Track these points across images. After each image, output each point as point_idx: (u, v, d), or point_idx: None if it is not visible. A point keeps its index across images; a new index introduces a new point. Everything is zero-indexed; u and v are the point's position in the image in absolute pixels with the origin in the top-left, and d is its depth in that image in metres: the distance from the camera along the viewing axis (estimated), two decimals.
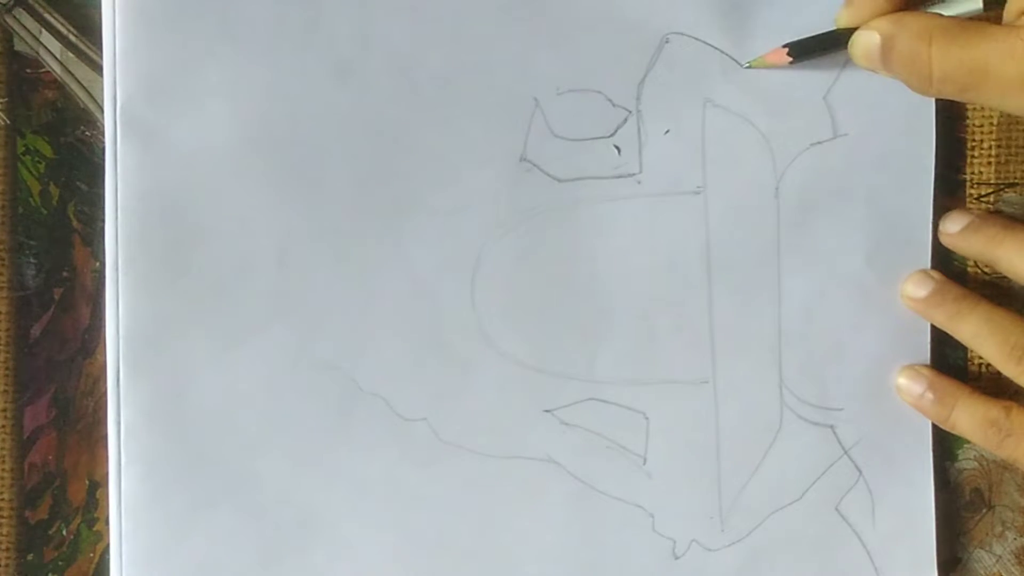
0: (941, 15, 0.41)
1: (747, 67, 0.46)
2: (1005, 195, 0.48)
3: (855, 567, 0.48)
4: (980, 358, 0.47)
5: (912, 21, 0.41)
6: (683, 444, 0.47)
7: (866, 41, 0.42)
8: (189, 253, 0.46)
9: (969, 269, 0.48)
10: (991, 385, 0.47)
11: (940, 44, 0.40)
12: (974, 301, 0.46)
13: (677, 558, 0.47)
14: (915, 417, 0.47)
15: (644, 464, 0.47)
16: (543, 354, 0.47)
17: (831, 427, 0.47)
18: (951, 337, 0.47)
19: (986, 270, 0.48)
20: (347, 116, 0.46)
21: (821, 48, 0.45)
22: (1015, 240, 0.45)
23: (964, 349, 0.48)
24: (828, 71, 0.46)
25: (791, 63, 0.45)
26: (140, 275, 0.46)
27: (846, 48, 0.43)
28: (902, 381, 0.47)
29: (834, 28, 0.44)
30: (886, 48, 0.41)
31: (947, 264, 0.47)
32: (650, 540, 0.47)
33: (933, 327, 0.47)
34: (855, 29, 0.43)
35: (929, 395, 0.46)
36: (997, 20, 0.41)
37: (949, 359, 0.48)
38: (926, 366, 0.47)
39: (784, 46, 0.45)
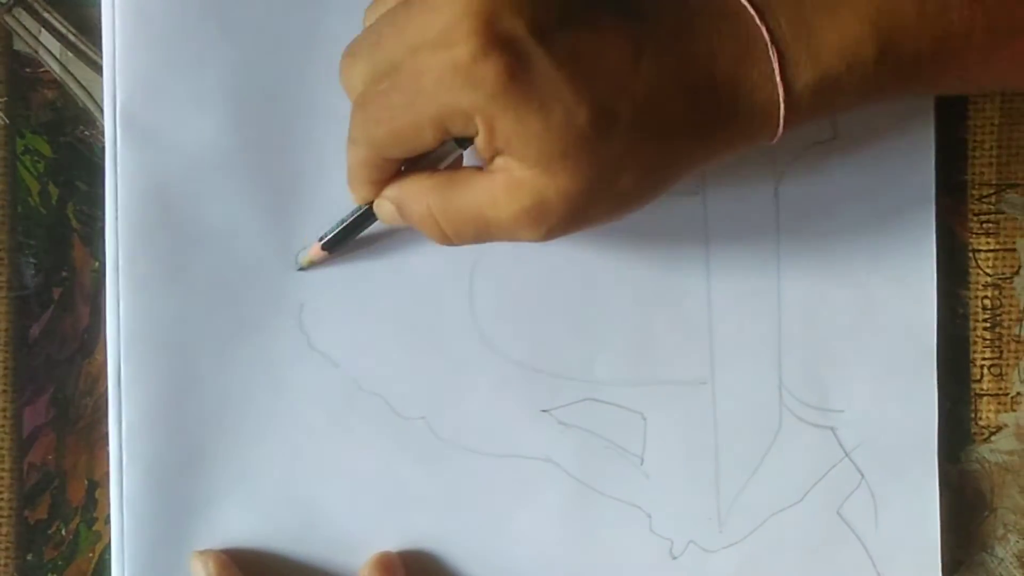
0: (432, 173, 0.40)
1: (299, 270, 0.46)
2: (1007, 196, 0.47)
3: (857, 571, 0.47)
4: (983, 358, 0.47)
5: (409, 185, 0.40)
6: (681, 445, 0.47)
7: (385, 210, 0.42)
8: (189, 253, 0.46)
9: (971, 270, 0.47)
10: (993, 386, 0.47)
11: (436, 203, 0.39)
12: None
13: (674, 558, 0.47)
14: (919, 419, 0.47)
15: (642, 464, 0.47)
16: (541, 354, 0.47)
17: (831, 429, 0.47)
18: (953, 335, 0.47)
19: (988, 270, 0.47)
20: (347, 116, 0.46)
21: (354, 231, 0.44)
22: None
23: (966, 348, 0.47)
24: None
25: (330, 256, 0.45)
26: (140, 275, 0.46)
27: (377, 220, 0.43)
28: None
29: (358, 207, 0.44)
30: (402, 213, 0.41)
31: (949, 264, 0.47)
32: (647, 540, 0.47)
33: (937, 327, 0.47)
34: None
35: None
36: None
37: (950, 359, 0.47)
38: None
39: (319, 240, 0.45)
